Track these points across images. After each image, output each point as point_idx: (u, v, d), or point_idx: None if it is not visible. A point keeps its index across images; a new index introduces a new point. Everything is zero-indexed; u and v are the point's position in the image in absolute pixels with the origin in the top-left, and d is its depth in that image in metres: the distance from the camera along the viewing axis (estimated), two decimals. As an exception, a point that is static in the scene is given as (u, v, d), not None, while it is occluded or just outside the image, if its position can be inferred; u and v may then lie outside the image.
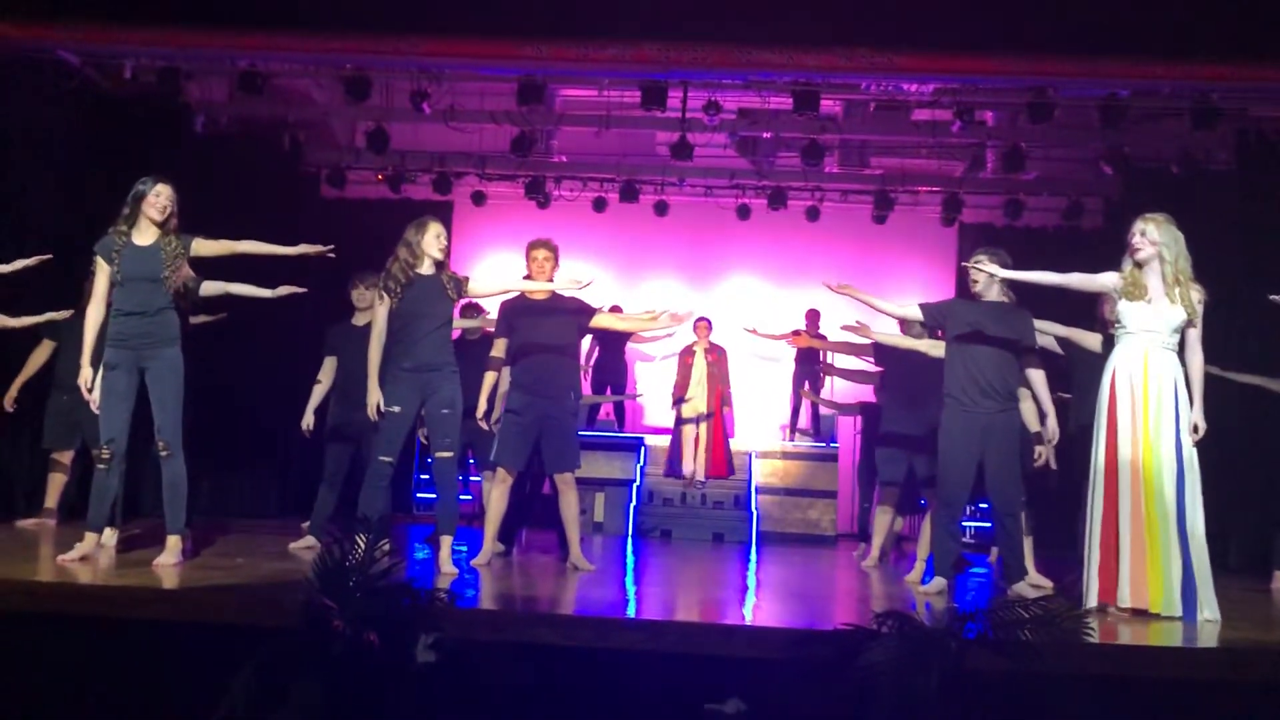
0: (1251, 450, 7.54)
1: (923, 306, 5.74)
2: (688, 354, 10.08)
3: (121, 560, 5.09)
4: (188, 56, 8.32)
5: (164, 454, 4.98)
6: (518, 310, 5.96)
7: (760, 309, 11.75)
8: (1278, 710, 3.71)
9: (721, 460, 9.93)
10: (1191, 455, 4.82)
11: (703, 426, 9.87)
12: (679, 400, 9.95)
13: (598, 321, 6.06)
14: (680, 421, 9.94)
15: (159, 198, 4.97)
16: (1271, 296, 5.62)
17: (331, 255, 5.26)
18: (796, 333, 10.26)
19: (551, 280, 5.93)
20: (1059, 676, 3.62)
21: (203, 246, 5.06)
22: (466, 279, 5.46)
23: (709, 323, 10.10)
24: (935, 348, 5.86)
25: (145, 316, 4.94)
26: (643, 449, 10.08)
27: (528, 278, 6.01)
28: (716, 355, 10.04)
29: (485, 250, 11.51)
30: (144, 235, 4.99)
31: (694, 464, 9.84)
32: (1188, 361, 4.90)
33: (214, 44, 8.05)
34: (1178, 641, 4.32)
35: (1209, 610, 4.74)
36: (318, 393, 6.52)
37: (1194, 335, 4.89)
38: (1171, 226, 4.89)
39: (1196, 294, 4.86)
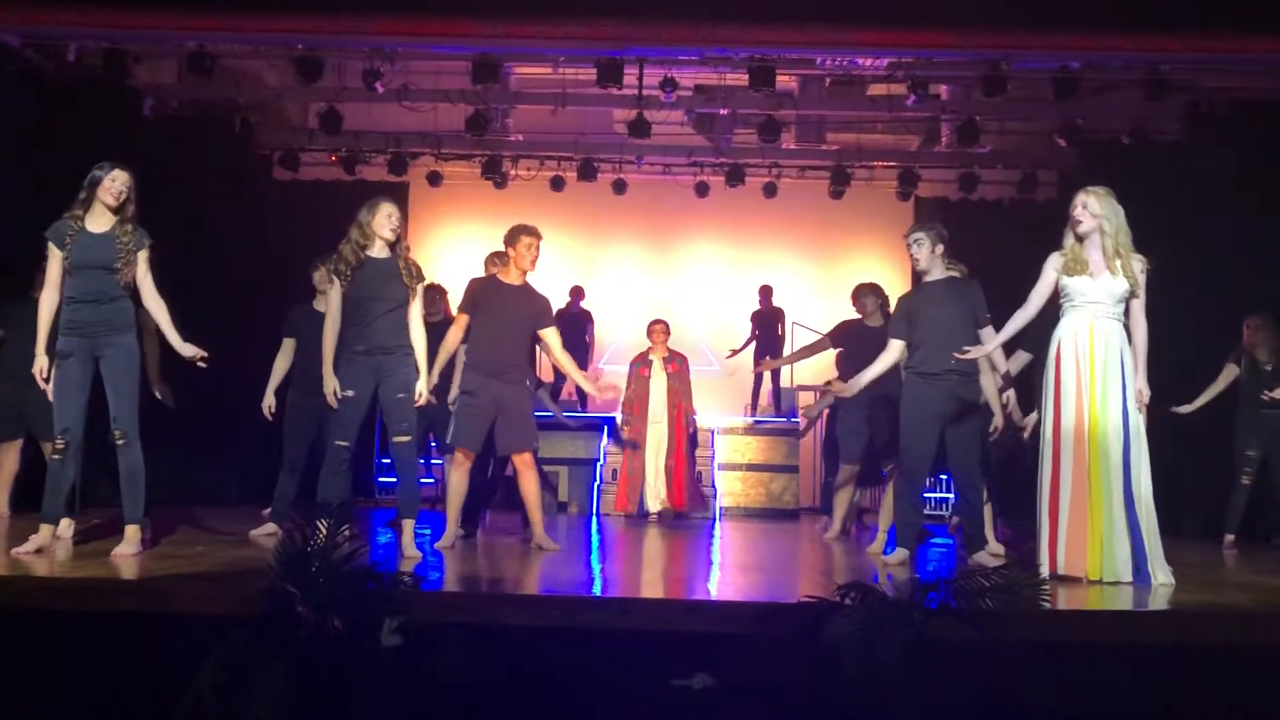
0: (1203, 417, 7.67)
1: (892, 335, 5.77)
2: (643, 365, 8.81)
3: (79, 552, 5.02)
4: (134, 38, 8.17)
5: (120, 443, 4.91)
6: (487, 290, 5.93)
7: (719, 286, 11.79)
8: (1232, 671, 3.79)
9: (682, 490, 8.77)
10: (1138, 422, 4.89)
11: (663, 453, 8.71)
12: (630, 418, 8.74)
13: (545, 334, 5.99)
14: (640, 453, 8.73)
15: (115, 183, 4.87)
16: None
17: (203, 365, 4.97)
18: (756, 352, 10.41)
19: (530, 270, 5.90)
20: (1020, 643, 3.67)
21: (142, 262, 4.93)
22: (421, 279, 5.33)
23: (666, 326, 8.91)
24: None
25: (99, 304, 4.86)
26: (606, 428, 10.06)
27: (499, 254, 6.03)
28: (677, 365, 8.79)
29: (442, 231, 11.44)
30: (99, 222, 4.89)
31: (652, 497, 8.73)
32: (1132, 331, 4.96)
33: (160, 25, 7.90)
34: (1133, 606, 4.40)
35: (1162, 574, 4.82)
36: (277, 374, 6.47)
37: (1137, 305, 4.95)
38: (1111, 199, 4.93)
39: (1138, 264, 4.92)
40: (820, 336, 7.43)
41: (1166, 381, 5.82)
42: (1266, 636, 3.92)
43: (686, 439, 8.80)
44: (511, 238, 5.90)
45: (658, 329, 8.86)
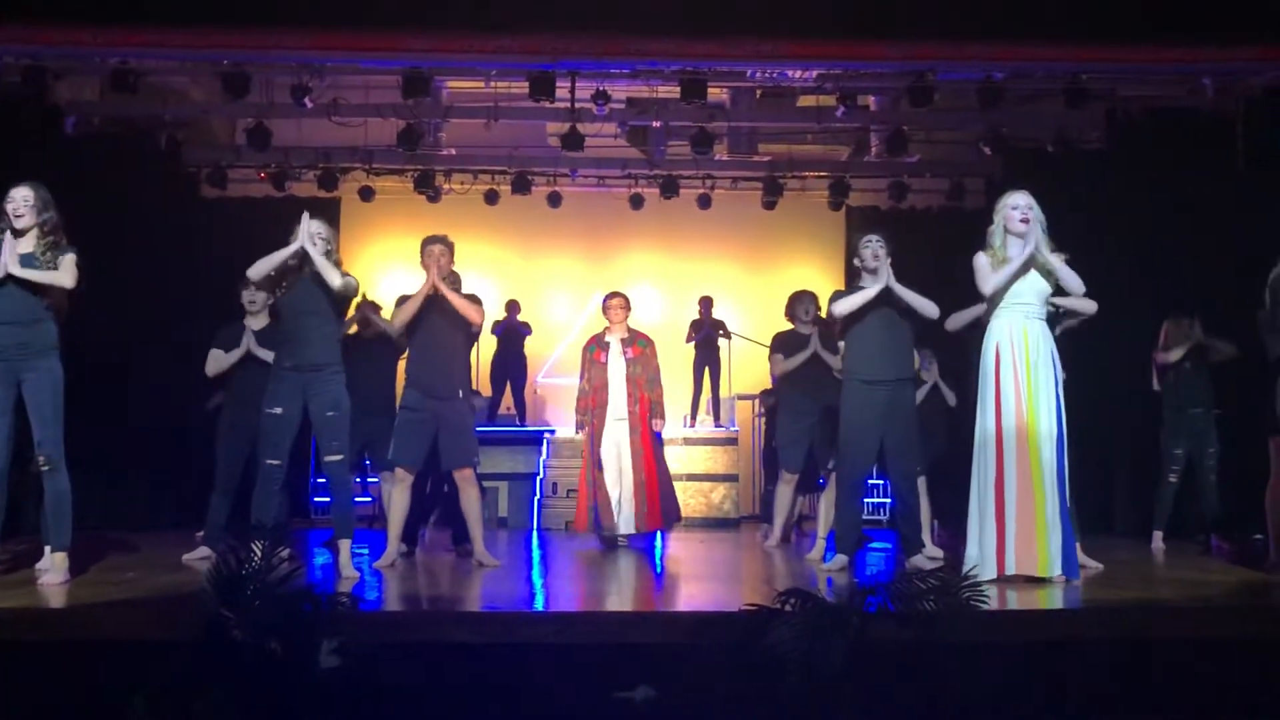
0: (1132, 416, 7.86)
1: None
2: (598, 349, 7.23)
3: (4, 581, 4.89)
4: (53, 54, 7.98)
5: (45, 469, 4.79)
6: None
7: (655, 297, 11.83)
8: (1162, 664, 3.88)
9: (656, 503, 7.07)
10: (1063, 422, 5.00)
11: (626, 461, 7.06)
12: (587, 418, 7.15)
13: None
14: (596, 461, 7.09)
15: (10, 203, 4.80)
16: None
17: None
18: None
19: (445, 279, 5.87)
20: (958, 645, 3.73)
21: (65, 262, 4.83)
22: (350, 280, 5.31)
23: (626, 300, 7.33)
24: None
25: (20, 325, 4.75)
26: (545, 442, 10.03)
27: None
28: (640, 349, 7.19)
29: (375, 247, 11.34)
30: (25, 242, 4.80)
31: (618, 517, 7.05)
32: (1078, 303, 5.14)
33: (81, 41, 7.73)
34: (1065, 605, 4.50)
35: (1086, 566, 4.96)
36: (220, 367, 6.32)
37: (1065, 273, 5.02)
38: None
39: (1055, 259, 5.03)
40: (771, 356, 7.40)
41: (1097, 380, 5.96)
42: (1195, 631, 4.03)
43: (654, 439, 7.19)
44: (421, 251, 5.90)
45: (615, 304, 7.28)
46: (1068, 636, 4.02)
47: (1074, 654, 3.90)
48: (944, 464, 7.02)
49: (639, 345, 7.22)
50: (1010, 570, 4.87)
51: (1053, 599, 4.58)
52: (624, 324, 7.28)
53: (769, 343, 7.37)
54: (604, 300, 7.43)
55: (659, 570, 6.18)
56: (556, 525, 9.37)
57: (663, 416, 7.28)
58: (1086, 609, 4.41)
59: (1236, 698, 3.84)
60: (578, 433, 7.36)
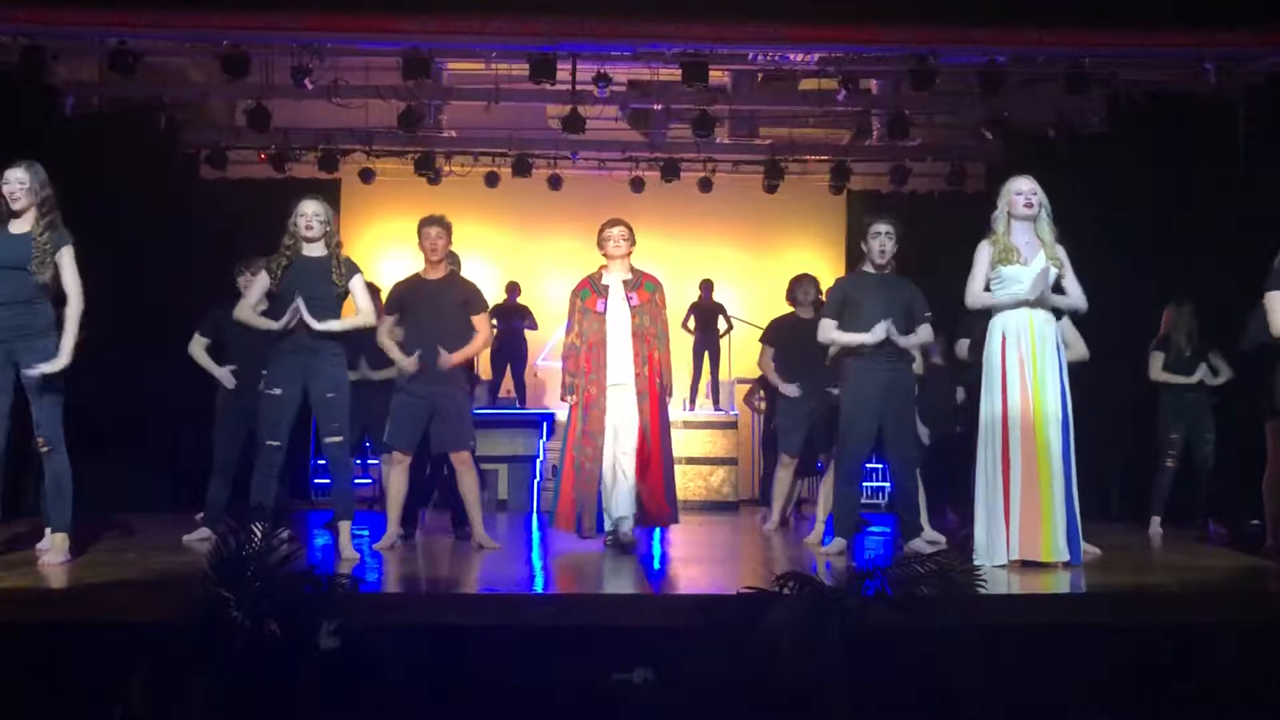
0: (1130, 401, 7.86)
1: (824, 315, 5.85)
2: (593, 294, 5.65)
3: (4, 561, 4.90)
4: (52, 34, 7.94)
5: (44, 450, 4.80)
6: (410, 289, 5.91)
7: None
8: (1159, 650, 3.90)
9: (660, 494, 5.67)
10: (1070, 408, 5.01)
11: (627, 438, 5.56)
12: (578, 380, 5.62)
13: (474, 321, 5.84)
14: (587, 439, 5.58)
15: (6, 185, 4.80)
16: None
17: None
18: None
19: (443, 260, 5.87)
20: (955, 628, 3.74)
21: (65, 258, 4.81)
22: (354, 271, 5.31)
23: (629, 231, 5.69)
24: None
25: (15, 307, 4.75)
26: (545, 425, 10.03)
27: (422, 272, 5.96)
28: (647, 294, 5.65)
29: (375, 229, 11.33)
30: (20, 223, 4.81)
31: (615, 508, 5.64)
32: (1072, 299, 5.07)
33: (80, 20, 7.70)
34: (1062, 589, 4.51)
35: (1086, 550, 4.97)
36: (207, 360, 6.37)
37: (1069, 282, 5.06)
38: None
39: (1060, 249, 5.05)
40: (761, 346, 7.41)
41: (1092, 365, 5.97)
42: (1191, 616, 4.05)
43: (663, 412, 5.69)
44: (418, 232, 5.88)
45: (615, 234, 5.64)
46: (1065, 621, 4.03)
47: (1071, 639, 3.92)
48: (952, 449, 7.03)
49: (646, 289, 5.66)
50: (1014, 555, 4.89)
51: (1050, 584, 4.60)
52: (626, 261, 5.72)
53: (765, 326, 7.37)
54: (600, 230, 5.73)
55: (657, 553, 6.20)
56: (558, 528, 9.34)
57: (670, 387, 5.77)
58: (1083, 594, 4.42)
59: (1233, 682, 3.85)
60: (564, 398, 5.77)
